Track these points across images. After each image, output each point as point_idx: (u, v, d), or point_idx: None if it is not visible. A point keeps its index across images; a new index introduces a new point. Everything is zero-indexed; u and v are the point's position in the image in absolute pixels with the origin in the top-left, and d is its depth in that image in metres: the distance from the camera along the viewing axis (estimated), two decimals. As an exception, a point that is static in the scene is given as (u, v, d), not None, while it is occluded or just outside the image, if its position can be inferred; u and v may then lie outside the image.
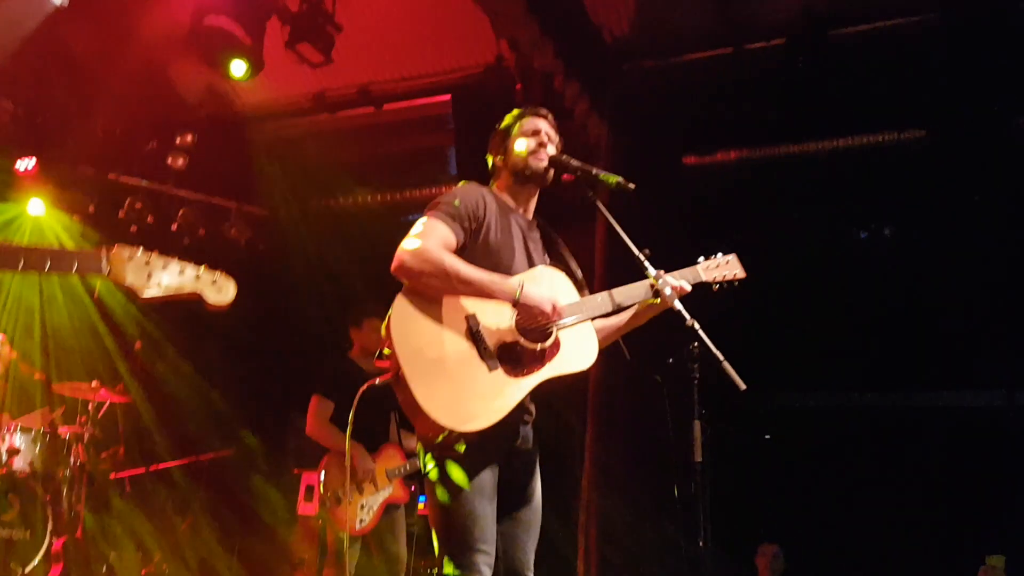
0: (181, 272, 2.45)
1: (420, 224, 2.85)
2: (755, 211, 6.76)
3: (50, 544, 5.51)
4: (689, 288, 3.00)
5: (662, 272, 3.01)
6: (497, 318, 2.81)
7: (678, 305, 2.91)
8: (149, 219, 7.47)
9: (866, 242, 7.12)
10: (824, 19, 5.68)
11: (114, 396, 6.22)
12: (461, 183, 3.03)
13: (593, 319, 2.97)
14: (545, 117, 3.18)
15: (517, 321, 2.82)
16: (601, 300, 2.96)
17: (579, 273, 3.08)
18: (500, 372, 2.74)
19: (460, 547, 2.70)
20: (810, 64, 5.69)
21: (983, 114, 5.71)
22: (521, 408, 2.79)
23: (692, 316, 2.86)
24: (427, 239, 2.79)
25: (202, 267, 2.48)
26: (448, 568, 2.72)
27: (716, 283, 3.16)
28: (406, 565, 5.06)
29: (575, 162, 3.09)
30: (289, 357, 7.87)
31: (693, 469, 2.68)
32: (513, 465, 2.88)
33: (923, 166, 6.15)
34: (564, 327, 2.85)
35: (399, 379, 2.68)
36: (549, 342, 2.81)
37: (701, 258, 3.18)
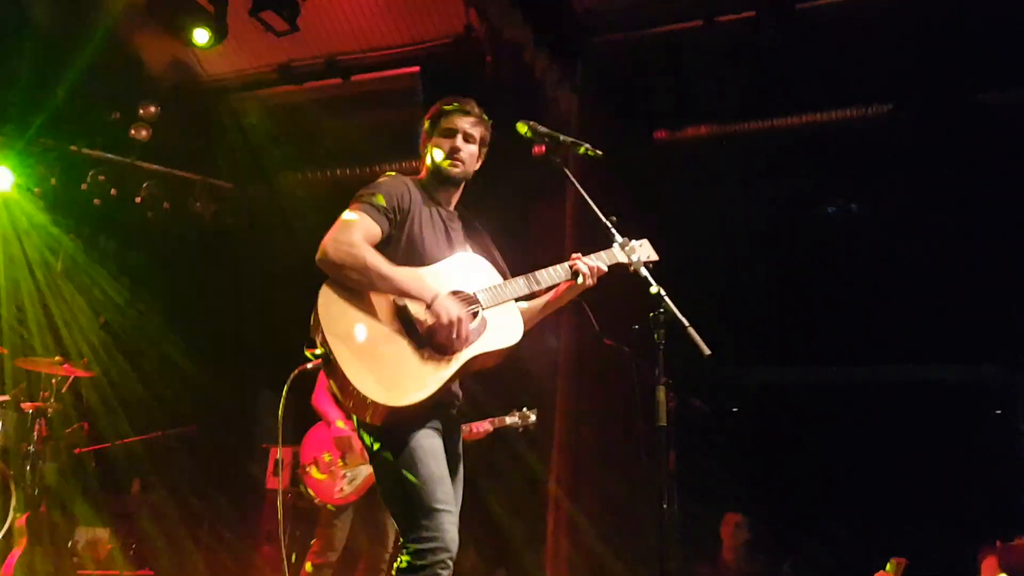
0: None
1: (345, 216, 2.89)
2: (724, 186, 6.78)
3: (13, 520, 5.45)
4: (606, 268, 3.07)
5: (628, 240, 3.06)
6: None
7: (644, 272, 2.94)
8: (112, 192, 7.37)
9: (833, 217, 7.17)
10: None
11: (78, 371, 6.13)
12: (386, 175, 3.07)
13: (517, 300, 3.04)
14: (468, 113, 3.12)
15: None
16: (523, 282, 3.04)
17: (501, 261, 3.15)
18: (429, 349, 2.80)
19: (425, 510, 2.72)
20: (778, 37, 5.69)
21: (949, 89, 5.75)
22: (449, 392, 2.89)
23: (659, 284, 2.87)
24: (351, 233, 2.83)
25: None
26: (415, 532, 2.72)
27: (632, 265, 3.14)
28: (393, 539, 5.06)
29: (542, 128, 3.09)
30: (258, 333, 7.80)
31: (657, 435, 2.70)
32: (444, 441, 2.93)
33: (890, 141, 6.19)
34: (489, 307, 2.94)
35: (330, 362, 2.73)
36: (476, 323, 2.90)
37: (617, 240, 3.15)
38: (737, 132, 6.62)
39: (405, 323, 2.81)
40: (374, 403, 2.68)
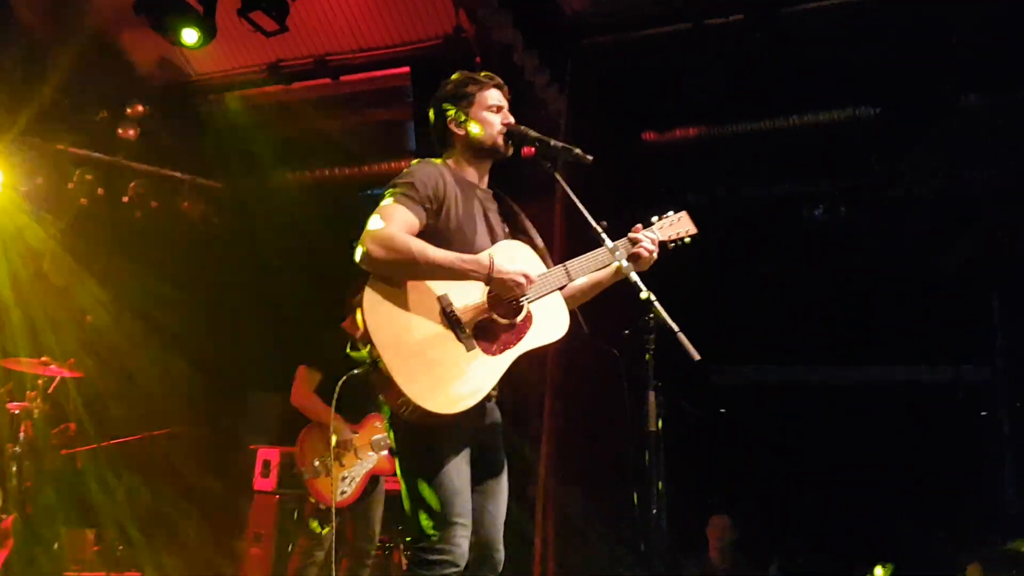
0: None
1: (380, 210, 2.79)
2: (712, 188, 6.81)
3: (-1, 522, 5.42)
4: (663, 238, 3.07)
5: (619, 243, 3.02)
6: (467, 296, 2.80)
7: (634, 276, 2.88)
8: (100, 191, 7.33)
9: (820, 218, 7.21)
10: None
11: (65, 371, 6.10)
12: (415, 161, 2.97)
13: (561, 288, 2.98)
14: (502, 88, 3.12)
15: (489, 297, 2.82)
16: (563, 272, 2.97)
17: (540, 242, 3.07)
18: (477, 351, 2.75)
19: (440, 521, 2.69)
20: (766, 40, 5.72)
21: (935, 91, 5.80)
22: None
23: (648, 288, 2.87)
24: (389, 225, 2.72)
25: None
26: (426, 540, 2.70)
27: (672, 241, 3.19)
28: (377, 535, 5.10)
29: (532, 133, 3.05)
30: (246, 333, 7.78)
31: (647, 439, 2.71)
32: (480, 440, 2.89)
33: (877, 143, 6.23)
34: (535, 299, 2.87)
35: (379, 368, 2.66)
36: (522, 316, 2.83)
37: (655, 217, 3.20)
38: (725, 134, 6.65)
39: (453, 322, 2.74)
40: (423, 409, 2.62)
